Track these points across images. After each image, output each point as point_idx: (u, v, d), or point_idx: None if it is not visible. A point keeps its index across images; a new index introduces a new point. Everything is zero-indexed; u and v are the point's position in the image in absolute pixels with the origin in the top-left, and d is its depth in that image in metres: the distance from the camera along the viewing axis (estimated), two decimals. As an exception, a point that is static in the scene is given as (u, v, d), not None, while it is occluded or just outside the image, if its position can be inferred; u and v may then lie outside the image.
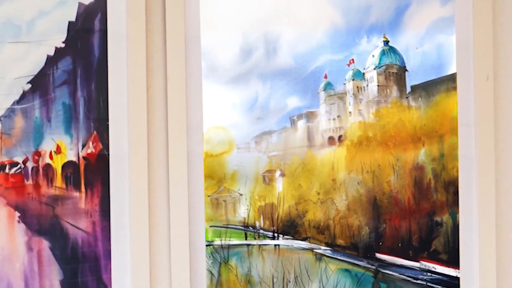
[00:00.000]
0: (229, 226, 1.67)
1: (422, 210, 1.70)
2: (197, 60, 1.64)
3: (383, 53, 1.70)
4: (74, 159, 1.63)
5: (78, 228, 1.63)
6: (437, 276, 1.70)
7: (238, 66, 1.66)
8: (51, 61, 1.63)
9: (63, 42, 1.63)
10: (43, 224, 1.62)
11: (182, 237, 1.61)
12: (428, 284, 1.70)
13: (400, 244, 1.70)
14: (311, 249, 1.69)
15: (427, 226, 1.70)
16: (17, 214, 1.62)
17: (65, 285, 1.62)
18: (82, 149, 1.63)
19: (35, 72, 1.62)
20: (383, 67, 1.70)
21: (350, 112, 1.70)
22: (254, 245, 1.68)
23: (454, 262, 1.69)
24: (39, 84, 1.63)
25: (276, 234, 1.68)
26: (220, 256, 1.66)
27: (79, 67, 1.64)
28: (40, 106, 1.63)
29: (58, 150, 1.63)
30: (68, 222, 1.63)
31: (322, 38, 1.68)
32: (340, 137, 1.69)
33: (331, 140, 1.69)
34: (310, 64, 1.68)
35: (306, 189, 1.69)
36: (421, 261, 1.70)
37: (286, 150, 1.68)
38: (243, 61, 1.66)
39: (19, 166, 1.63)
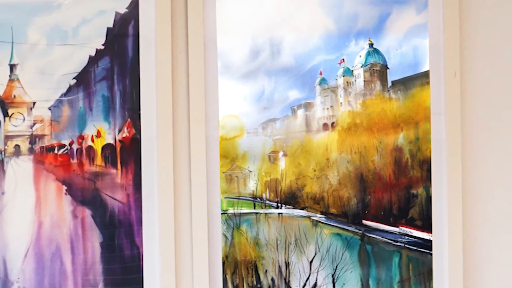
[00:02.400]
0: (240, 197, 1.72)
1: (401, 184, 1.74)
2: (214, 59, 1.70)
3: (368, 54, 1.73)
4: (112, 142, 1.69)
5: (115, 199, 1.70)
6: (413, 239, 1.73)
7: (248, 65, 1.71)
8: (92, 61, 1.68)
9: (103, 45, 1.68)
10: (86, 196, 1.69)
11: (201, 207, 1.68)
12: (406, 245, 1.73)
13: (382, 213, 1.74)
14: (309, 217, 1.73)
15: (405, 198, 1.74)
16: (64, 187, 1.69)
17: (104, 247, 1.69)
18: (118, 133, 1.70)
19: (79, 70, 1.68)
20: (369, 66, 1.73)
21: (341, 103, 1.73)
22: (261, 213, 1.72)
23: (427, 227, 1.73)
24: (83, 80, 1.69)
25: (279, 204, 1.73)
26: (233, 222, 1.71)
27: (115, 66, 1.69)
28: (84, 98, 1.69)
29: (98, 135, 1.70)
30: (107, 194, 1.69)
31: (317, 41, 1.72)
32: (332, 123, 1.73)
33: (325, 126, 1.73)
34: (308, 63, 1.72)
35: (305, 166, 1.73)
36: (400, 227, 1.73)
37: (288, 134, 1.72)
38: (252, 61, 1.71)
39: (66, 147, 1.69)
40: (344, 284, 1.73)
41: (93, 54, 1.69)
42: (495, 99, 1.76)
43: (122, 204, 1.70)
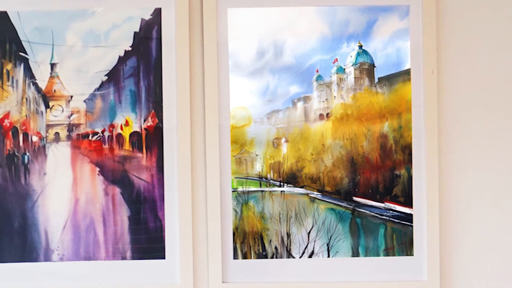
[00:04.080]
0: (248, 177, 1.79)
1: (386, 166, 1.79)
2: (226, 59, 1.77)
3: (358, 54, 1.78)
4: (138, 130, 1.78)
5: (141, 179, 1.78)
6: (396, 213, 1.80)
7: (255, 64, 1.78)
8: (121, 60, 1.77)
9: (130, 47, 1.77)
10: (116, 176, 1.78)
11: (215, 185, 1.76)
12: (390, 219, 1.79)
13: (370, 190, 1.79)
14: (307, 194, 1.80)
15: (390, 178, 1.79)
16: (97, 169, 1.78)
17: (131, 220, 1.78)
18: (144, 122, 1.78)
19: (110, 68, 1.77)
20: (358, 64, 1.79)
21: (334, 96, 1.79)
22: (266, 191, 1.79)
23: (409, 203, 1.79)
24: (113, 76, 1.77)
25: (282, 183, 1.79)
26: (242, 199, 1.79)
27: (141, 64, 1.77)
28: (114, 92, 1.77)
29: (127, 124, 1.78)
30: (134, 175, 1.78)
31: (314, 43, 1.78)
32: (327, 114, 1.80)
33: (321, 116, 1.79)
34: (306, 62, 1.79)
35: (303, 151, 1.79)
36: (385, 203, 1.80)
37: (289, 124, 1.79)
38: (258, 60, 1.78)
39: (99, 135, 1.78)
40: (337, 252, 1.80)
41: (122, 54, 1.78)
42: (467, 94, 1.82)
43: (147, 183, 1.78)
